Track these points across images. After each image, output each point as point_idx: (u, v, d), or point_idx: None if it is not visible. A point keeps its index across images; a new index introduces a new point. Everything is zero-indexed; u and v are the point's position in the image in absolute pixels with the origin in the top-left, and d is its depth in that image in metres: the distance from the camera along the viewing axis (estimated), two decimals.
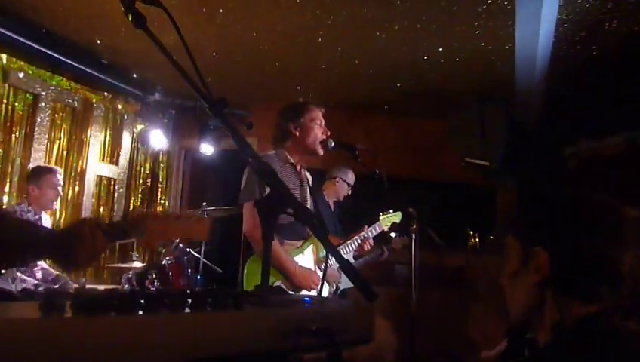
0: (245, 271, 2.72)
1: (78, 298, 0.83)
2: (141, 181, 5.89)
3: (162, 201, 6.14)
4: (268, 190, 1.30)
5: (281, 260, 2.69)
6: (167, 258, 4.07)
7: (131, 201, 5.71)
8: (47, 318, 0.77)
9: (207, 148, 5.46)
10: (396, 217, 3.58)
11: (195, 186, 6.44)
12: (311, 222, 1.37)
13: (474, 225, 5.88)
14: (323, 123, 2.99)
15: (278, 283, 2.70)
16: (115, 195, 5.51)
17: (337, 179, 4.45)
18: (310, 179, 3.09)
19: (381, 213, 3.56)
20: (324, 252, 2.97)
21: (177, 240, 4.42)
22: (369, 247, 3.41)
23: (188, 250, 4.31)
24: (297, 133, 2.91)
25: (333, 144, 2.96)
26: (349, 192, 4.46)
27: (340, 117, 5.83)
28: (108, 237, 1.42)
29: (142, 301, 0.84)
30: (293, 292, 2.68)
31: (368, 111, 6.26)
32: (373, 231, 3.45)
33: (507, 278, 1.20)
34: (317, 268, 2.93)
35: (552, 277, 1.12)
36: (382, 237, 3.94)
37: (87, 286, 3.67)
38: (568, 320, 1.08)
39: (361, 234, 3.38)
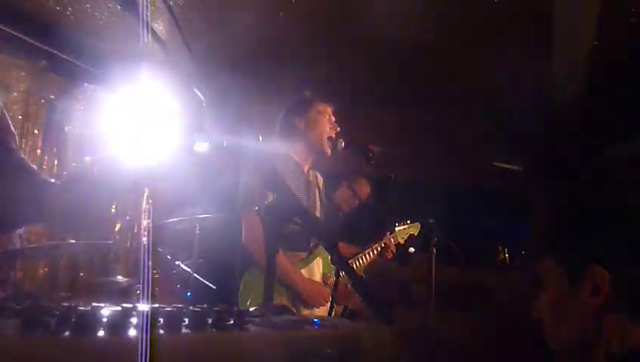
0: (241, 285, 2.75)
1: (62, 316, 0.85)
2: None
3: (147, 208, 6.18)
4: (270, 197, 1.32)
5: (288, 272, 2.72)
6: (154, 272, 4.10)
7: (112, 208, 5.75)
8: (29, 337, 0.79)
9: (199, 145, 5.49)
10: (414, 229, 3.59)
11: (185, 190, 6.46)
12: (321, 233, 1.39)
13: (503, 238, 5.87)
14: (333, 120, 3.03)
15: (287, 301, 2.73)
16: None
17: (342, 189, 4.49)
18: (321, 181, 3.11)
19: (397, 224, 3.57)
20: (333, 266, 2.99)
21: (161, 249, 4.45)
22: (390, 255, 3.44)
23: (177, 262, 4.33)
24: (301, 127, 2.96)
25: (343, 145, 2.98)
26: (355, 202, 4.49)
27: (348, 113, 5.83)
28: None
29: (132, 319, 0.85)
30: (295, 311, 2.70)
31: (382, 106, 6.27)
32: (387, 243, 3.46)
33: (547, 307, 1.13)
34: (324, 284, 2.95)
35: (616, 300, 1.05)
36: (398, 252, 3.95)
37: (66, 303, 3.70)
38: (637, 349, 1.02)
39: (377, 245, 3.39)
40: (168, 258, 4.36)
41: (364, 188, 4.47)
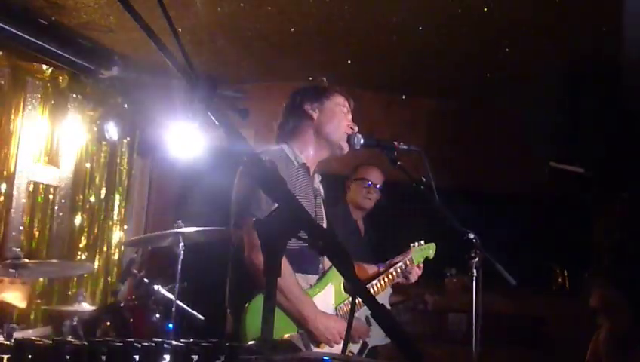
0: (247, 317, 2.73)
1: (14, 351, 0.85)
2: (91, 191, 5.97)
3: (119, 218, 6.21)
4: (271, 203, 1.33)
5: (298, 300, 2.72)
6: (128, 298, 4.12)
7: (77, 218, 5.78)
8: None
9: (188, 145, 5.51)
10: (430, 250, 3.58)
11: (167, 197, 6.50)
12: (331, 251, 1.39)
13: (561, 258, 5.85)
14: (350, 114, 3.06)
15: (294, 335, 2.73)
16: (55, 209, 5.58)
17: (349, 184, 4.55)
18: (322, 189, 3.14)
19: (412, 245, 3.57)
20: (347, 294, 2.99)
21: (140, 272, 4.46)
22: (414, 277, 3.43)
23: (156, 287, 4.34)
24: (315, 116, 2.99)
25: (362, 141, 3.00)
26: (374, 198, 4.52)
27: (371, 103, 5.87)
28: None
29: (103, 356, 0.86)
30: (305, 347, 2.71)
31: (412, 95, 6.28)
32: (403, 266, 3.45)
33: (612, 344, 1.14)
34: (337, 315, 2.95)
35: None
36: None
37: (21, 335, 3.72)
38: None
39: (398, 265, 3.38)
40: (145, 281, 4.37)
41: (374, 174, 4.53)
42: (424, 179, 3.06)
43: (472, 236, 3.07)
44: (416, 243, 3.55)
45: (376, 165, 4.53)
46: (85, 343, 0.88)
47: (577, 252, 5.64)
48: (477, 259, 3.11)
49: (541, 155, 5.12)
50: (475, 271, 3.10)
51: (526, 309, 5.57)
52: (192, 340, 1.00)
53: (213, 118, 1.36)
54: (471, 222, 3.14)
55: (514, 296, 5.11)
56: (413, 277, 3.42)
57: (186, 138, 5.54)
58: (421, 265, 3.45)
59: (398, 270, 3.38)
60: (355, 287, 1.34)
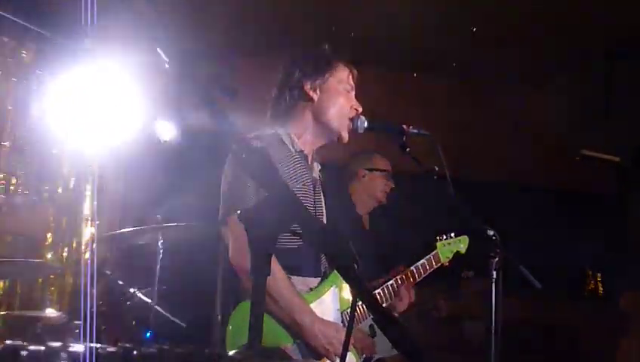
0: (230, 325, 2.74)
1: None
2: (58, 181, 5.94)
3: (89, 212, 6.19)
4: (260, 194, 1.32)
5: (291, 305, 2.71)
6: (99, 303, 4.12)
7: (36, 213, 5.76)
8: None
9: (164, 129, 5.50)
10: (461, 244, 3.59)
11: (145, 188, 6.48)
12: (331, 248, 1.38)
13: (594, 259, 5.85)
14: (354, 90, 3.04)
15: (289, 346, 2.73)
16: (13, 202, 5.55)
17: (362, 173, 4.51)
18: (321, 177, 3.13)
19: (438, 238, 3.57)
20: (352, 299, 2.99)
21: (113, 274, 4.46)
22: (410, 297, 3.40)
23: (132, 290, 4.34)
24: (315, 97, 2.97)
25: (366, 124, 2.99)
26: (389, 188, 4.52)
27: (377, 81, 5.84)
28: None
29: None
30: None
31: (424, 73, 6.26)
32: (427, 265, 3.45)
33: None
34: (342, 323, 2.94)
35: None
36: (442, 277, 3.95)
37: None
38: None
39: (411, 269, 3.39)
40: (120, 283, 4.37)
41: (381, 162, 4.52)
42: (437, 169, 3.05)
43: (491, 233, 3.06)
44: (444, 236, 3.55)
45: (381, 151, 4.53)
46: (42, 348, 0.88)
47: (612, 252, 5.64)
48: (497, 259, 3.10)
49: (572, 143, 5.11)
50: (494, 273, 3.10)
51: (553, 317, 5.57)
52: (166, 346, 1.00)
53: (196, 97, 1.35)
54: (490, 217, 3.14)
55: (539, 302, 5.12)
56: (402, 304, 3.34)
57: (168, 120, 5.52)
58: (412, 294, 3.40)
59: (414, 271, 3.38)
60: (358, 291, 1.33)
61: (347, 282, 1.31)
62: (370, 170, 4.53)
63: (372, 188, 4.54)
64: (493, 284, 3.07)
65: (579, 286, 5.97)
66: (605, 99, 5.02)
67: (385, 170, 4.52)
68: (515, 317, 4.51)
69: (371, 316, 3.00)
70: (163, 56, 1.39)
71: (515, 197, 5.90)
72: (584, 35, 5.08)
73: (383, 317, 1.31)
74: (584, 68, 5.42)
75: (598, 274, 6.00)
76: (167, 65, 1.37)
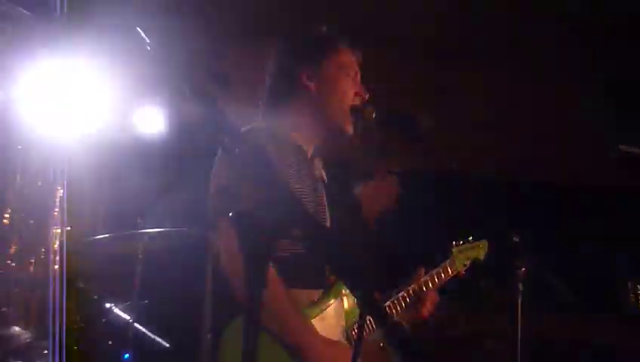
0: (223, 346, 2.74)
1: None
2: (25, 180, 5.95)
3: (60, 216, 6.19)
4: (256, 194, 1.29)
5: (290, 321, 2.70)
6: (72, 320, 4.12)
7: (5, 215, 5.76)
8: None
9: (148, 119, 5.50)
10: (480, 249, 3.58)
11: (124, 189, 6.48)
12: (335, 256, 1.38)
13: (634, 269, 5.84)
14: (359, 74, 3.02)
15: None
16: None
17: (379, 176, 4.52)
18: (325, 177, 3.14)
19: (454, 243, 3.57)
20: (358, 313, 2.98)
21: (87, 286, 4.47)
22: (430, 308, 3.38)
23: (108, 305, 4.34)
24: (313, 88, 2.95)
25: (374, 115, 2.98)
26: (397, 190, 4.53)
27: (387, 66, 5.84)
28: None
29: None
30: None
31: (442, 58, 6.26)
32: (442, 274, 3.45)
33: None
34: (347, 340, 2.95)
35: None
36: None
37: None
38: None
39: (425, 279, 3.38)
40: (94, 298, 4.38)
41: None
42: (455, 166, 3.05)
43: (517, 239, 3.06)
44: (461, 241, 3.55)
45: (392, 147, 4.53)
46: None
47: None
48: (523, 268, 3.11)
49: (607, 137, 5.12)
50: (520, 284, 3.10)
51: (587, 335, 5.57)
52: None
53: (185, 87, 1.35)
54: (514, 221, 3.14)
55: (572, 318, 5.12)
56: (427, 307, 3.31)
57: (151, 113, 5.52)
58: (437, 297, 3.38)
59: (428, 280, 3.37)
60: (366, 305, 1.32)
61: (354, 294, 1.30)
62: (379, 170, 4.54)
63: (381, 190, 4.54)
64: (519, 297, 3.08)
65: (616, 299, 5.96)
66: None
67: (394, 172, 4.52)
68: (544, 335, 4.50)
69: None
70: (144, 36, 1.38)
71: (543, 199, 5.91)
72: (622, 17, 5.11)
73: (393, 333, 1.30)
74: (619, 60, 5.41)
75: (639, 286, 5.98)
76: (148, 48, 1.36)
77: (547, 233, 4.96)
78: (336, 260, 1.41)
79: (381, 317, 1.29)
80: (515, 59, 6.18)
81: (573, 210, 5.90)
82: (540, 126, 6.26)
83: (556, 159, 6.24)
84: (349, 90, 2.96)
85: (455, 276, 3.50)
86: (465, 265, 3.53)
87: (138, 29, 1.40)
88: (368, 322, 2.90)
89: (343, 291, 2.96)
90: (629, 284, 5.93)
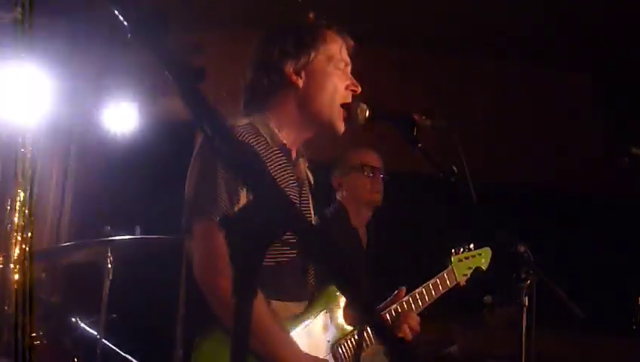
0: (198, 357, 2.74)
1: None
2: None
3: (19, 223, 6.16)
4: (244, 198, 1.30)
5: (270, 337, 2.70)
6: (34, 335, 4.10)
7: None
8: None
9: (123, 117, 5.47)
10: (482, 258, 3.59)
11: (90, 193, 6.47)
12: (330, 260, 1.37)
13: None
14: (350, 66, 3.02)
15: None
16: None
17: (339, 180, 4.55)
18: (312, 179, 3.16)
19: (454, 251, 3.57)
20: (347, 327, 2.99)
21: (51, 299, 4.44)
22: (416, 327, 3.35)
23: (74, 319, 4.32)
24: (300, 83, 2.95)
25: (368, 113, 2.98)
26: (381, 190, 4.55)
27: (379, 63, 5.86)
28: None
29: None
30: None
31: (438, 54, 6.29)
32: (439, 285, 3.45)
33: None
34: (333, 357, 2.95)
35: None
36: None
37: None
38: None
39: (421, 289, 3.37)
40: (58, 311, 4.35)
41: (371, 158, 4.56)
42: (455, 169, 3.04)
43: (522, 249, 3.06)
44: (461, 249, 3.54)
45: (377, 148, 4.57)
46: None
47: None
48: (529, 281, 3.10)
49: (618, 140, 5.15)
50: (525, 299, 3.09)
51: (596, 356, 5.59)
52: None
53: (167, 74, 1.34)
54: (519, 229, 3.14)
55: (580, 336, 5.13)
56: (406, 329, 3.18)
57: (119, 108, 5.50)
58: (417, 320, 3.32)
59: (423, 292, 3.36)
60: (364, 314, 1.32)
61: (352, 303, 1.30)
62: (351, 169, 4.56)
63: (357, 191, 4.56)
64: (524, 313, 3.07)
65: (628, 317, 5.97)
66: None
67: (364, 165, 4.54)
68: (550, 355, 4.51)
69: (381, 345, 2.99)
70: (123, 20, 1.37)
71: (550, 206, 5.93)
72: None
73: (396, 347, 1.30)
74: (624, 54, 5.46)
75: None
76: (129, 35, 1.36)
77: (553, 243, 4.98)
78: (329, 264, 1.40)
79: (382, 330, 1.29)
80: (516, 63, 6.23)
81: (583, 219, 5.92)
82: (548, 132, 6.30)
83: (565, 163, 6.26)
84: (340, 83, 2.95)
85: (454, 287, 3.50)
86: (465, 275, 3.53)
87: (116, 12, 1.40)
88: (367, 333, 2.91)
89: (328, 305, 2.96)
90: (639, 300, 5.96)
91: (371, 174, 4.54)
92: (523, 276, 3.06)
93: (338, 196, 4.59)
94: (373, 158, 4.59)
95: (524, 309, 3.03)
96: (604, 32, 5.43)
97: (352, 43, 3.05)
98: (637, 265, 5.70)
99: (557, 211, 5.95)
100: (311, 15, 3.09)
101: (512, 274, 3.10)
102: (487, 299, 4.66)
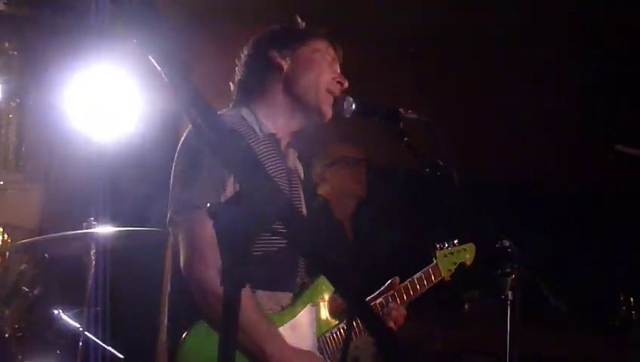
0: (182, 355, 2.73)
1: None
2: None
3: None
4: (230, 187, 1.29)
5: (255, 329, 2.68)
6: (15, 328, 4.07)
7: None
8: None
9: (109, 109, 5.44)
10: (466, 253, 3.59)
11: (73, 184, 6.41)
12: (320, 252, 1.37)
13: (629, 280, 5.87)
14: (337, 64, 3.05)
15: None
16: None
17: (320, 173, 4.55)
18: (302, 171, 3.17)
19: (438, 246, 3.56)
20: (334, 319, 3.00)
21: (32, 291, 4.43)
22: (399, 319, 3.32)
23: (55, 312, 4.30)
24: (286, 68, 2.98)
25: (354, 106, 2.99)
26: (365, 181, 4.56)
27: (364, 57, 5.85)
28: None
29: None
30: None
31: (424, 47, 6.28)
32: (424, 280, 3.43)
33: None
34: (319, 351, 2.94)
35: None
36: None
37: None
38: None
39: (400, 287, 3.35)
40: (41, 303, 4.33)
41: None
42: (440, 163, 3.05)
43: (507, 244, 3.06)
44: (445, 244, 3.53)
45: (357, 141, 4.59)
46: None
47: None
48: (513, 276, 3.10)
49: (603, 137, 5.16)
50: (510, 293, 3.09)
51: (578, 350, 5.58)
52: None
53: (154, 62, 1.33)
54: (503, 224, 3.14)
55: (562, 332, 5.14)
56: (391, 322, 3.16)
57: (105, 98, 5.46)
58: (403, 312, 3.32)
59: (408, 287, 3.34)
60: (354, 305, 1.31)
61: (341, 294, 1.30)
62: (332, 164, 4.57)
63: (340, 183, 4.57)
64: (509, 308, 3.07)
65: (607, 312, 5.98)
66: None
67: (345, 157, 4.56)
68: (533, 351, 4.52)
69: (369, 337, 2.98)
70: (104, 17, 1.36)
71: (532, 201, 5.94)
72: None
73: (385, 338, 1.29)
74: (617, 44, 5.47)
75: (632, 299, 6.00)
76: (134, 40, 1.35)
77: (535, 238, 4.98)
78: (318, 256, 1.40)
79: (371, 319, 1.28)
80: (503, 58, 6.24)
81: (564, 214, 5.93)
82: (529, 126, 6.30)
83: (548, 158, 6.27)
84: (325, 72, 2.98)
85: (438, 283, 3.50)
86: (450, 271, 3.52)
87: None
88: (356, 325, 2.90)
89: (315, 298, 2.96)
90: (622, 296, 5.96)
91: (354, 165, 4.55)
92: (507, 270, 3.06)
93: (320, 190, 4.59)
94: (353, 151, 4.60)
95: (509, 303, 3.03)
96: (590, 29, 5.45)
97: (341, 50, 3.10)
98: (619, 263, 5.73)
99: (538, 208, 5.96)
100: (301, 21, 3.14)
101: (494, 269, 3.11)
102: (469, 293, 4.68)
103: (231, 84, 3.09)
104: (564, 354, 5.48)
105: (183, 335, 2.74)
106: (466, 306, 5.02)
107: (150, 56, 1.29)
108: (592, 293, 5.47)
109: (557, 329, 4.97)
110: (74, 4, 5.01)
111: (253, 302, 2.72)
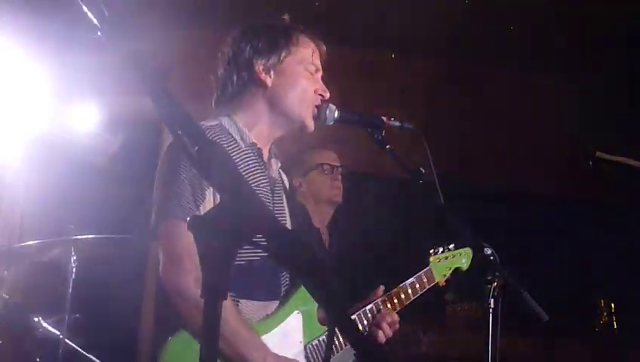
0: (165, 360, 2.71)
1: None
2: None
3: None
4: (210, 197, 1.28)
5: (237, 338, 2.67)
6: None
7: None
8: None
9: (81, 117, 5.42)
10: (462, 258, 3.59)
11: (52, 191, 6.39)
12: (301, 262, 1.36)
13: (608, 287, 5.90)
14: (320, 72, 3.02)
15: None
16: None
17: (298, 181, 4.55)
18: (286, 180, 3.15)
19: (432, 251, 3.56)
20: (321, 328, 2.99)
21: (11, 298, 4.40)
22: (388, 331, 3.32)
23: (36, 319, 4.28)
24: (269, 82, 2.93)
25: (337, 114, 2.98)
26: (341, 187, 4.56)
27: (347, 64, 5.85)
28: None
29: None
30: None
31: (406, 54, 6.28)
32: (417, 285, 3.43)
33: None
34: (306, 359, 2.93)
35: None
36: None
37: None
38: None
39: (392, 292, 3.35)
40: (20, 310, 4.30)
41: (327, 156, 4.57)
42: (423, 170, 3.04)
43: (489, 251, 3.06)
44: (440, 249, 3.53)
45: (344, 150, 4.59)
46: None
47: (631, 278, 5.69)
48: (495, 283, 3.10)
49: (584, 143, 5.18)
50: (492, 300, 3.09)
51: (557, 359, 5.61)
52: None
53: (133, 71, 1.32)
54: (485, 232, 3.14)
55: (541, 339, 5.15)
56: (382, 332, 3.18)
57: (84, 102, 5.44)
58: (396, 317, 3.28)
59: (400, 292, 3.33)
60: (334, 317, 1.31)
61: (321, 304, 1.29)
62: (310, 171, 4.56)
63: (318, 190, 4.56)
64: (490, 314, 3.07)
65: (588, 319, 6.00)
66: (627, 89, 5.08)
67: (322, 164, 4.55)
68: (513, 356, 4.53)
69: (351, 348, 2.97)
70: (92, 18, 1.34)
71: (514, 208, 5.95)
72: (603, 16, 5.17)
73: (366, 350, 1.29)
74: (602, 54, 5.48)
75: (612, 305, 6.02)
76: (99, 33, 1.33)
77: (516, 245, 5.00)
78: (300, 266, 1.39)
79: (352, 332, 1.28)
80: (492, 64, 6.25)
81: (545, 221, 5.95)
82: (513, 130, 6.32)
83: (530, 166, 6.29)
84: (309, 87, 2.95)
85: (433, 287, 3.49)
86: (444, 276, 3.52)
87: (85, 8, 1.36)
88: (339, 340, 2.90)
89: (301, 305, 2.94)
90: (602, 302, 5.98)
91: (330, 172, 4.55)
92: (489, 278, 3.06)
93: (297, 196, 4.57)
94: (330, 157, 4.60)
95: (490, 310, 3.03)
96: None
97: (324, 49, 3.05)
98: (600, 269, 5.75)
99: (520, 214, 5.98)
100: (285, 17, 3.09)
101: (479, 276, 3.10)
102: (449, 296, 4.69)
103: (212, 84, 3.04)
104: (544, 359, 5.50)
105: (163, 341, 2.72)
106: (448, 310, 5.02)
107: (132, 70, 1.28)
108: (573, 299, 5.50)
109: (538, 335, 4.97)
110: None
111: (235, 311, 2.70)
